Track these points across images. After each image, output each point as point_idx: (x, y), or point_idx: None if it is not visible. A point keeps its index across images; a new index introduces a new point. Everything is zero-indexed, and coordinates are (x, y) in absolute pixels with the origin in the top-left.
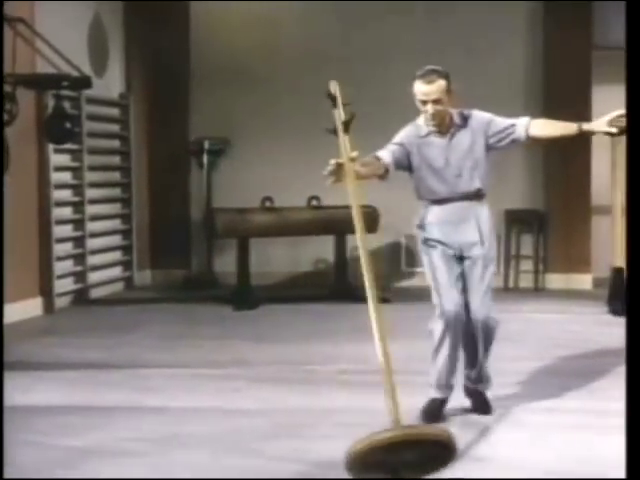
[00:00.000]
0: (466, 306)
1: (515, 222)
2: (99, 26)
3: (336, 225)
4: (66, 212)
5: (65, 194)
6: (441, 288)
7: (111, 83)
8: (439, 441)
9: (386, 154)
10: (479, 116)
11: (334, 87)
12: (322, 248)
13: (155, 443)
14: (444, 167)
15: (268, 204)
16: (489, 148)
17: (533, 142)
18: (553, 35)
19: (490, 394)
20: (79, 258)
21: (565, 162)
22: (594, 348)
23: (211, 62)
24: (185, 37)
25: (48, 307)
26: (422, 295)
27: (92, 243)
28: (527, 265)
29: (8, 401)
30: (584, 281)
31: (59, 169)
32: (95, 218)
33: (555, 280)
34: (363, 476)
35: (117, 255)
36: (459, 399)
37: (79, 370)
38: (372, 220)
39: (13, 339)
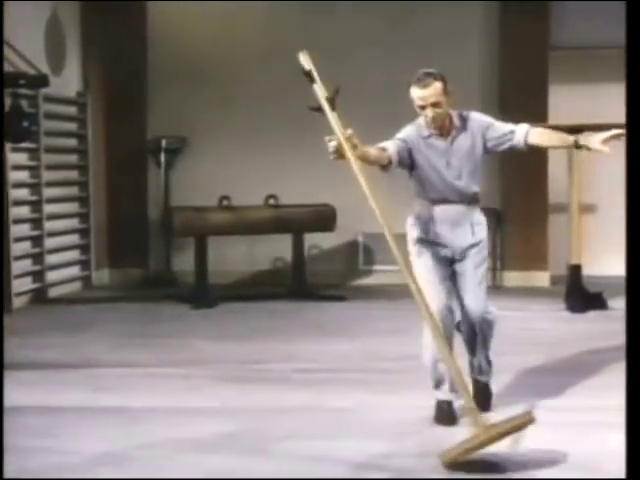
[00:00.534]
0: (461, 304)
1: None
2: (56, 24)
3: (293, 224)
4: (24, 211)
5: (23, 193)
6: (431, 288)
7: (69, 81)
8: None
9: (392, 147)
10: (478, 119)
11: (305, 59)
12: (280, 247)
13: (113, 443)
14: (445, 169)
15: (226, 203)
16: (486, 151)
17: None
18: (510, 35)
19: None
20: (37, 257)
21: (522, 160)
22: (555, 345)
23: (168, 61)
24: (142, 36)
25: (6, 306)
26: (379, 293)
27: (50, 242)
28: None
29: None
30: (542, 279)
31: (17, 168)
32: (53, 217)
33: (513, 278)
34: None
35: (75, 254)
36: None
37: (36, 370)
38: (329, 218)
39: None
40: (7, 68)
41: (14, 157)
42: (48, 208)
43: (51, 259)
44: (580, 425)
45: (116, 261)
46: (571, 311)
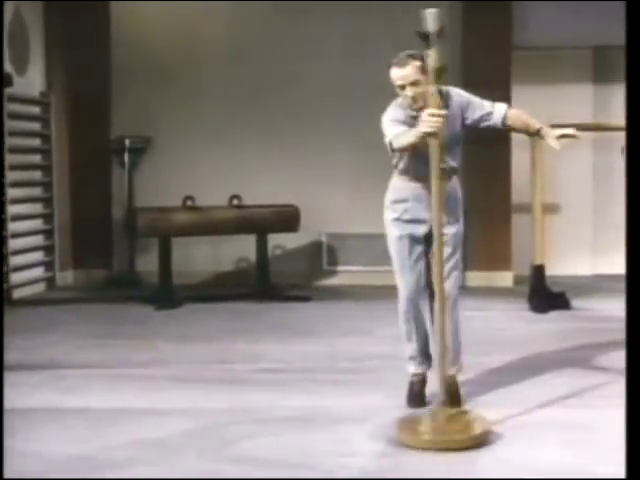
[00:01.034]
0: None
1: None
2: (19, 24)
3: (257, 224)
4: None
5: None
6: (404, 268)
7: (32, 81)
8: None
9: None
10: (457, 95)
11: (433, 18)
12: (244, 247)
13: (77, 444)
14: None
15: (189, 203)
16: (465, 128)
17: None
18: (472, 35)
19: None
20: (1, 259)
21: (485, 160)
22: (518, 344)
23: (132, 61)
24: (106, 36)
25: None
26: (344, 293)
27: (14, 243)
28: None
29: None
30: (505, 279)
31: None
32: (17, 218)
33: (476, 278)
34: None
35: (39, 255)
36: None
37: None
38: (293, 219)
39: None
40: None
41: None
42: (12, 209)
43: (15, 260)
44: (543, 424)
45: (80, 262)
46: (534, 311)
